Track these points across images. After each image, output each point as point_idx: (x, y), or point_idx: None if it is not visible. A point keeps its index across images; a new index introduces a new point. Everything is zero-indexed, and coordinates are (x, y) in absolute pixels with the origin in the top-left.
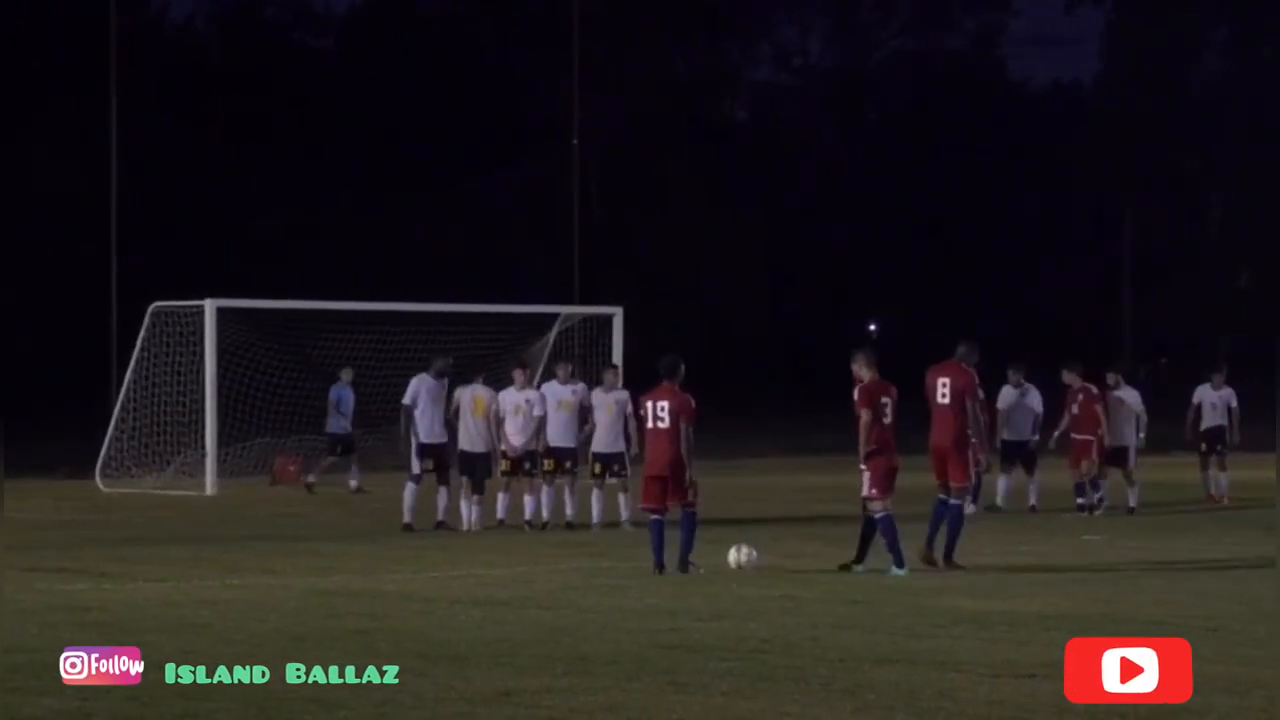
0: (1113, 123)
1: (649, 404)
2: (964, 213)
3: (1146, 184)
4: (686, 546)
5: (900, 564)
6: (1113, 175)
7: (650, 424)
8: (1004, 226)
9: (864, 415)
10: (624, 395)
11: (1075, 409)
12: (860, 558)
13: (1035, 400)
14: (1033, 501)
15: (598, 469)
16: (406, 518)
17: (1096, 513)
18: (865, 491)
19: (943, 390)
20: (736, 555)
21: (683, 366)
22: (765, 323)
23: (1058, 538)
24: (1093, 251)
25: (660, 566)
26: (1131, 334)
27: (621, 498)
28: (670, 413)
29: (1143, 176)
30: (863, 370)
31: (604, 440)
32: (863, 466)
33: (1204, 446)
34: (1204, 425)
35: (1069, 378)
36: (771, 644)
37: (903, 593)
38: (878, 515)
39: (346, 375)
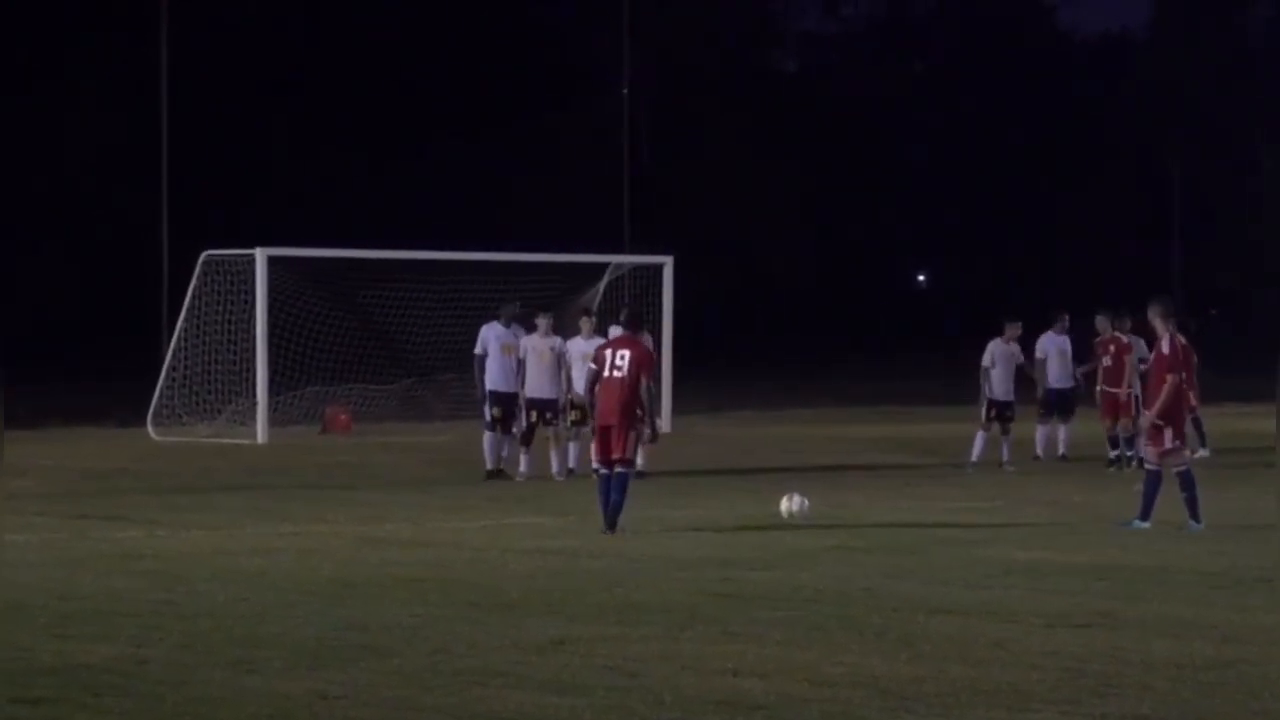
0: (1161, 71)
1: (608, 352)
2: (1011, 164)
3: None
4: (617, 508)
5: None
6: (1161, 125)
7: (606, 372)
8: (1052, 178)
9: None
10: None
11: (1108, 360)
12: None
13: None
14: (1062, 450)
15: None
16: (489, 465)
17: (1126, 469)
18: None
19: (620, 361)
20: (788, 504)
21: (644, 317)
22: (811, 274)
23: (1112, 489)
24: (1141, 204)
25: (610, 526)
26: (1182, 286)
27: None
28: (630, 362)
29: (1191, 127)
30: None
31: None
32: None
33: None
34: None
35: (1101, 324)
36: (824, 594)
37: (955, 543)
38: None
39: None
